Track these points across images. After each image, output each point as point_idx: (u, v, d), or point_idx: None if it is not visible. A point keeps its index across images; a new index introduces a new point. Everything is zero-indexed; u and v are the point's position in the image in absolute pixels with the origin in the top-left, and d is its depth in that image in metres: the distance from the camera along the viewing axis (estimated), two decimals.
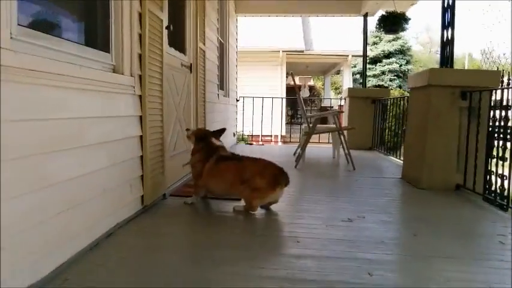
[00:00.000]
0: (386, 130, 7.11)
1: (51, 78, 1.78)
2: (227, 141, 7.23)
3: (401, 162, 6.02)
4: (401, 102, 6.35)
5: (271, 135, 13.69)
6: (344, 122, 8.08)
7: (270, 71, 14.39)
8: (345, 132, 5.60)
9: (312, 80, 25.32)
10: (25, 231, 1.63)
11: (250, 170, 3.05)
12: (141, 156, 2.87)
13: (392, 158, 6.59)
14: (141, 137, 2.86)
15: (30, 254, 1.67)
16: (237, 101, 8.65)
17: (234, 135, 8.34)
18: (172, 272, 2.00)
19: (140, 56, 2.83)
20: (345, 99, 8.50)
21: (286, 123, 14.92)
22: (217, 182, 3.17)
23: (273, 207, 3.13)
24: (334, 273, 2.01)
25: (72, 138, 1.96)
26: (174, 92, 3.78)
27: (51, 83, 1.78)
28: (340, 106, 12.15)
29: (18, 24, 1.62)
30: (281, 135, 14.78)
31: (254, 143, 9.11)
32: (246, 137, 10.53)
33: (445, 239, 2.60)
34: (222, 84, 6.75)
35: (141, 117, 2.86)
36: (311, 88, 24.97)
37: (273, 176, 3.01)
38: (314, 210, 3.24)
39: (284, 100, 12.51)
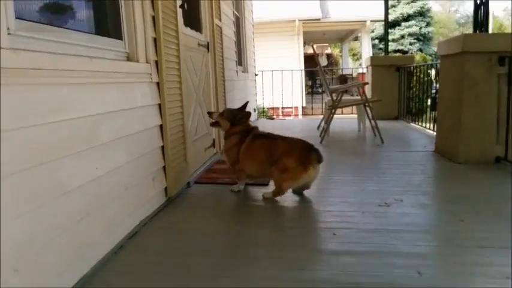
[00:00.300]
0: (414, 99, 6.78)
1: (57, 75, 1.60)
2: None
3: (431, 132, 5.78)
4: (428, 69, 6.00)
5: (291, 107, 13.46)
6: (367, 92, 7.78)
7: (287, 41, 13.97)
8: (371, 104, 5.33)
9: (329, 47, 24.69)
10: (41, 247, 1.49)
11: (279, 149, 2.86)
12: (162, 147, 2.71)
13: (420, 127, 6.31)
14: (161, 126, 2.69)
15: (49, 270, 1.53)
16: (256, 75, 8.40)
17: (255, 110, 8.13)
18: (201, 277, 1.85)
19: (155, 40, 2.62)
20: (367, 68, 8.16)
21: (306, 94, 14.63)
22: (252, 164, 2.98)
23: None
24: (380, 273, 1.83)
25: (86, 139, 1.80)
26: (193, 73, 3.58)
27: (57, 80, 1.61)
28: (362, 74, 11.77)
29: (17, 18, 1.43)
30: (302, 107, 14.55)
31: (275, 117, 8.88)
32: (267, 110, 10.31)
33: (494, 224, 2.38)
34: (240, 60, 6.51)
35: (159, 105, 2.68)
36: (328, 56, 24.34)
37: (302, 153, 2.80)
38: (346, 193, 3.05)
39: (303, 72, 12.18)
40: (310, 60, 19.03)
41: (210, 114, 3.21)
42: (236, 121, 3.06)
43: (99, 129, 1.91)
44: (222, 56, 4.66)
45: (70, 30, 1.84)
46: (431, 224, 2.42)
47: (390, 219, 2.50)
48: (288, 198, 2.91)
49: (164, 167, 2.74)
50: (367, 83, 5.14)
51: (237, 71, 5.92)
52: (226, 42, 5.06)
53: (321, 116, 7.82)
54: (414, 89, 6.80)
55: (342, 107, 5.33)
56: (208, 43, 4.19)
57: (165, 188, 2.76)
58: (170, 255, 2.06)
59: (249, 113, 3.11)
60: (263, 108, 9.67)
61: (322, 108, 8.45)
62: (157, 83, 2.65)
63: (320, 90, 17.29)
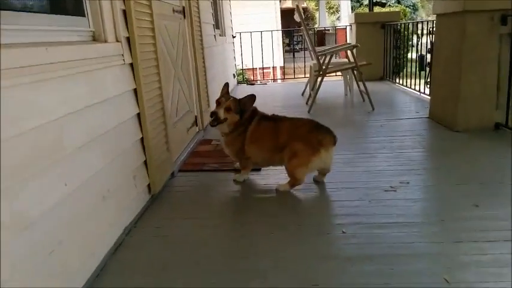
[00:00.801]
0: (401, 59, 6.49)
1: (4, 76, 1.23)
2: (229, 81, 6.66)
3: (419, 93, 5.55)
4: (415, 27, 5.67)
5: (269, 68, 13.04)
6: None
7: None
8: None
9: (304, 2, 23.92)
10: None
11: (285, 131, 2.55)
12: (142, 139, 2.37)
13: (407, 89, 6.07)
14: (138, 114, 2.34)
15: None
16: (234, 37, 7.92)
17: (234, 76, 7.73)
18: None
19: (125, 12, 2.22)
20: (350, 25, 7.78)
21: (285, 52, 14.19)
22: (258, 150, 2.67)
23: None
24: (407, 284, 1.60)
25: (50, 151, 1.45)
26: (169, 46, 3.18)
27: (5, 83, 1.23)
28: (342, 30, 11.34)
29: None
30: (280, 67, 14.15)
31: (256, 82, 8.48)
32: (247, 75, 9.88)
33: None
34: (217, 22, 6.04)
35: (135, 90, 2.31)
36: (304, 10, 23.61)
37: (311, 134, 2.49)
38: (347, 176, 2.78)
39: (280, 32, 11.71)
40: (286, 16, 18.37)
41: (214, 114, 2.61)
42: (244, 110, 2.67)
43: (66, 135, 1.56)
44: (199, 21, 4.23)
45: (15, 12, 1.45)
46: (444, 212, 2.19)
47: (401, 209, 2.26)
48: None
49: (145, 161, 2.41)
50: (357, 46, 4.80)
51: (214, 36, 5.48)
52: (203, 4, 4.60)
53: (305, 80, 7.50)
54: (401, 48, 6.49)
55: (330, 72, 5.00)
56: (184, 8, 3.75)
57: (148, 185, 2.44)
58: (158, 274, 1.77)
59: (254, 96, 2.70)
60: (242, 71, 9.22)
61: (304, 70, 8.10)
62: (131, 64, 2.27)
63: (297, 48, 16.82)
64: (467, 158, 3.02)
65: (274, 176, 2.82)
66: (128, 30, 2.23)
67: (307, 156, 2.44)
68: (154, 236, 2.11)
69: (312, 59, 6.03)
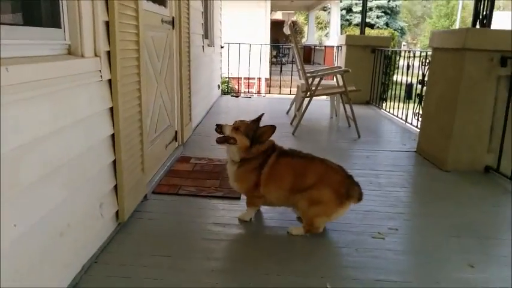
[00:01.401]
0: (389, 85, 6.42)
1: None
2: (212, 94, 6.47)
3: (405, 123, 5.47)
4: (407, 55, 5.59)
5: (254, 78, 12.93)
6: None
7: (254, 8, 13.21)
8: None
9: (294, 15, 23.97)
10: None
11: (314, 173, 2.28)
12: (114, 161, 2.14)
13: (393, 116, 5.98)
14: (112, 135, 2.11)
15: None
16: (222, 47, 7.73)
17: (219, 87, 7.52)
18: None
19: (108, 23, 2.00)
20: (340, 46, 7.70)
21: (272, 64, 14.07)
22: (276, 189, 2.36)
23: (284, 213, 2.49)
24: None
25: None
26: (154, 58, 2.96)
27: None
28: (329, 48, 11.27)
29: None
30: (265, 78, 14.06)
31: (240, 94, 8.30)
32: (231, 86, 9.68)
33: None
34: (207, 32, 5.84)
35: (111, 108, 2.09)
36: (294, 24, 23.64)
37: (342, 184, 2.25)
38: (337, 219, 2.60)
39: (269, 47, 11.61)
40: (275, 27, 18.31)
41: (219, 127, 2.38)
42: (257, 138, 2.33)
43: (22, 166, 1.33)
44: (188, 32, 4.02)
45: None
46: (438, 272, 2.03)
47: (391, 262, 2.10)
48: (266, 227, 2.46)
49: (116, 186, 2.18)
50: (348, 71, 4.67)
51: (203, 47, 5.28)
52: (194, 14, 4.40)
53: (290, 96, 7.36)
54: (391, 74, 6.42)
55: (318, 95, 4.86)
56: (173, 18, 3.54)
57: (116, 211, 2.21)
58: None
59: (274, 127, 2.38)
60: (227, 79, 9.00)
61: (290, 83, 7.95)
62: (110, 81, 2.05)
63: (284, 60, 16.74)
64: (458, 204, 2.89)
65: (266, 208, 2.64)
66: (109, 43, 2.01)
67: (332, 206, 2.23)
68: (116, 276, 1.87)
69: (300, 78, 5.90)
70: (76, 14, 1.73)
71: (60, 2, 1.67)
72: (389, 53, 6.50)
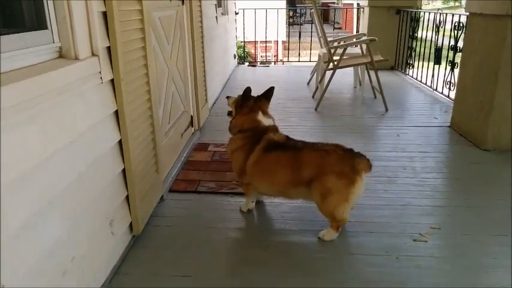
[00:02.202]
0: (416, 50, 5.97)
1: None
2: (228, 67, 6.16)
3: (433, 91, 5.10)
4: (437, 18, 5.12)
5: (271, 41, 12.52)
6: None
7: None
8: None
9: None
10: None
11: (309, 164, 2.05)
12: (123, 170, 1.92)
13: (420, 84, 5.59)
14: (120, 141, 1.88)
15: None
16: (236, 14, 7.32)
17: (235, 57, 7.16)
18: None
19: (105, 14, 1.72)
20: (362, 8, 7.20)
21: (289, 25, 13.56)
22: (266, 184, 2.21)
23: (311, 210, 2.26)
24: None
25: None
26: (164, 43, 2.68)
27: None
28: (348, 7, 10.69)
29: None
30: (282, 41, 13.62)
31: (257, 63, 7.93)
32: (247, 50, 9.28)
33: None
34: (220, 0, 5.45)
35: (117, 111, 1.85)
36: None
37: (344, 163, 1.99)
38: (366, 213, 2.36)
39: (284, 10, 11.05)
40: None
41: (228, 98, 2.44)
42: (238, 105, 2.28)
43: (9, 209, 1.11)
44: (200, 4, 3.69)
45: None
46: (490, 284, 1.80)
47: (437, 276, 1.86)
48: (295, 231, 2.24)
49: (127, 196, 1.97)
50: (374, 39, 4.28)
51: (216, 17, 4.93)
52: None
53: (310, 64, 6.98)
54: (417, 39, 5.96)
55: (342, 67, 4.51)
56: None
57: (130, 224, 2.01)
58: None
59: (259, 98, 2.26)
60: (243, 44, 8.59)
61: (310, 45, 7.51)
62: (112, 80, 1.80)
63: (301, 20, 16.08)
64: (504, 193, 2.59)
65: (285, 205, 2.41)
66: (108, 38, 1.74)
67: (344, 189, 1.97)
68: None
69: (321, 47, 5.52)
70: (65, 10, 1.46)
71: None
72: (415, 15, 6.02)
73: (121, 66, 1.81)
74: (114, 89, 1.81)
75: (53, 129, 1.34)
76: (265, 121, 2.25)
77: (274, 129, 2.25)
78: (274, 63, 8.98)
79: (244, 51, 9.43)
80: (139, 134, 2.07)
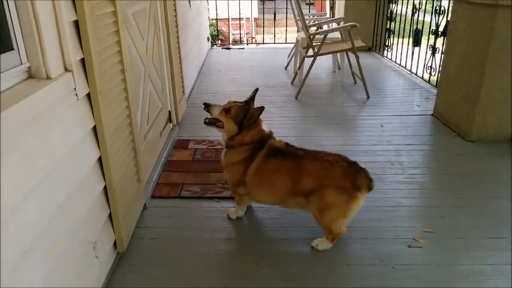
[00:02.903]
0: (395, 32, 5.90)
1: None
2: (202, 51, 5.94)
3: (410, 73, 5.07)
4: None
5: (243, 18, 12.18)
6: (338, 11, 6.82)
7: None
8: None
9: None
10: None
11: (311, 174, 1.95)
12: (105, 187, 1.78)
13: (400, 67, 5.55)
14: (99, 158, 1.73)
15: None
16: None
17: (208, 39, 6.92)
18: None
19: (77, 23, 1.54)
20: None
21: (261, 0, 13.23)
22: (265, 193, 2.13)
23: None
24: None
25: None
26: (139, 39, 2.49)
27: None
28: None
29: None
30: (254, 18, 13.30)
31: (232, 46, 7.70)
32: (219, 34, 9.01)
33: None
34: None
35: (95, 127, 1.69)
36: None
37: (346, 176, 1.90)
38: (356, 216, 2.27)
39: None
40: None
41: (207, 106, 2.12)
42: (246, 122, 2.06)
43: None
44: None
45: None
46: None
47: (436, 285, 1.83)
48: (287, 240, 2.15)
49: (110, 214, 1.83)
50: (356, 25, 4.16)
51: (189, 1, 4.69)
52: None
53: (285, 46, 6.82)
54: (396, 20, 5.88)
55: (323, 54, 4.39)
56: None
57: (114, 242, 1.89)
58: None
59: (262, 109, 2.08)
60: (216, 21, 8.31)
61: (285, 22, 7.31)
62: (88, 94, 1.63)
63: None
64: (493, 188, 2.58)
65: (275, 210, 2.32)
66: (82, 49, 1.56)
67: (344, 204, 1.90)
68: None
69: (298, 30, 5.37)
70: (32, 24, 1.27)
71: (8, 14, 1.21)
72: None
73: (97, 78, 1.64)
74: (90, 103, 1.65)
75: (25, 168, 1.19)
76: (265, 127, 2.13)
77: (272, 135, 2.15)
78: (247, 44, 8.71)
79: (216, 30, 9.16)
80: (119, 146, 1.91)
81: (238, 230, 2.23)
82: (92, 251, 1.66)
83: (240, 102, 2.12)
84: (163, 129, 3.11)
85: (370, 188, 1.92)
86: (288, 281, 1.85)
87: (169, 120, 3.36)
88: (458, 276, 1.87)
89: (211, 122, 2.11)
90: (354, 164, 1.95)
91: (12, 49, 1.24)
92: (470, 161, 2.97)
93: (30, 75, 1.33)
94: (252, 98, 2.18)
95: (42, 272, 1.26)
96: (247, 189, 2.12)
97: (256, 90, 2.24)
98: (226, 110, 2.07)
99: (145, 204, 2.36)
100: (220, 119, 2.08)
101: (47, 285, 1.27)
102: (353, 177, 1.89)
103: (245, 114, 2.06)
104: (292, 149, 2.09)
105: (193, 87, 4.78)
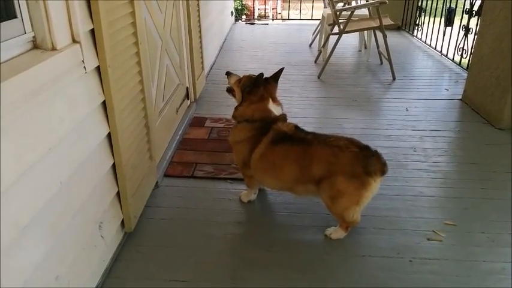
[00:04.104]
0: (426, 11, 5.63)
1: None
2: (225, 26, 5.81)
3: (440, 55, 4.85)
4: None
5: None
6: None
7: None
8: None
9: None
10: None
11: (320, 160, 1.85)
12: (113, 164, 1.73)
13: (429, 48, 5.31)
14: (108, 134, 1.67)
15: None
16: None
17: (232, 14, 6.76)
18: None
19: None
20: None
21: None
22: (271, 179, 2.06)
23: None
24: None
25: None
26: (156, 12, 2.40)
27: None
28: None
29: None
30: None
31: (256, 20, 7.52)
32: (244, 9, 8.81)
33: None
34: None
35: (104, 101, 1.63)
36: None
37: (357, 162, 1.79)
38: (373, 204, 2.07)
39: None
40: None
41: (228, 74, 2.21)
42: (246, 90, 2.03)
43: None
44: None
45: None
46: None
47: (453, 284, 1.73)
48: (299, 226, 2.08)
49: (118, 193, 1.79)
50: (385, 2, 3.96)
51: None
52: None
53: (311, 23, 6.62)
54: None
55: (349, 32, 4.22)
56: None
57: (122, 221, 1.85)
58: None
59: (268, 81, 2.04)
60: (241, 3, 8.15)
61: (311, 3, 7.12)
62: (98, 68, 1.56)
63: None
64: None
65: (289, 195, 2.25)
66: (92, 19, 1.49)
67: (356, 191, 1.80)
68: None
69: (325, 6, 5.18)
70: None
71: None
72: None
73: (107, 51, 1.57)
74: (100, 77, 1.58)
75: (29, 139, 1.14)
76: (275, 110, 2.03)
77: (283, 118, 2.05)
78: (273, 20, 8.51)
79: (241, 4, 8.97)
80: (130, 122, 1.85)
81: (250, 214, 2.17)
82: (97, 230, 1.62)
83: (255, 76, 2.04)
84: (180, 105, 3.05)
85: (383, 172, 1.80)
86: (297, 270, 1.78)
87: (187, 96, 3.29)
88: (479, 274, 1.77)
89: (228, 90, 2.20)
90: (366, 149, 1.84)
91: (15, 17, 1.17)
92: (499, 150, 2.81)
93: (35, 45, 1.27)
94: (274, 76, 2.09)
95: (43, 249, 1.22)
96: (253, 172, 2.06)
97: (282, 69, 2.14)
98: (239, 80, 2.12)
99: (157, 182, 2.32)
100: (233, 88, 2.13)
101: (47, 262, 1.24)
102: (364, 163, 1.78)
103: (251, 87, 2.02)
104: (301, 133, 1.98)
105: (213, 64, 4.68)
